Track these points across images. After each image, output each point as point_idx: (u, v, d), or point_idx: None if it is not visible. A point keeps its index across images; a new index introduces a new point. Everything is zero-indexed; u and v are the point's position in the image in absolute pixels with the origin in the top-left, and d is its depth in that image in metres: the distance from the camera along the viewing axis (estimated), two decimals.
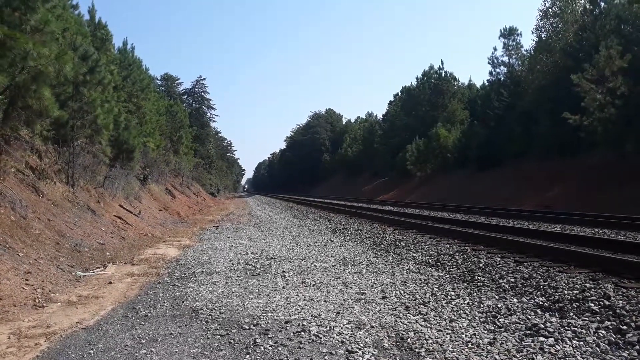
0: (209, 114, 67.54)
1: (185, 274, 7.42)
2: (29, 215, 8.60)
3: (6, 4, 8.00)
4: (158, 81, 53.70)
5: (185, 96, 64.11)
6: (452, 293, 5.73)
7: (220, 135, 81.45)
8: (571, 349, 3.76)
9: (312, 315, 4.83)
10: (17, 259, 6.69)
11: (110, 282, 6.83)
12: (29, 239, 7.67)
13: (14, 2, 8.09)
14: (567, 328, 4.20)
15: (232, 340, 4.11)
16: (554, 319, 4.48)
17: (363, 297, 5.67)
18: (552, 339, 3.96)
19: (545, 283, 5.69)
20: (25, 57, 8.16)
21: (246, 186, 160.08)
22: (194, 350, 3.89)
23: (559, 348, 3.78)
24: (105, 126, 14.02)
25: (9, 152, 9.96)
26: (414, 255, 8.66)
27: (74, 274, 7.23)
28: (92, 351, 3.90)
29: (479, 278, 6.40)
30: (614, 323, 4.21)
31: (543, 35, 33.85)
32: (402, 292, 5.87)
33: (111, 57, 20.64)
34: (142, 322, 4.72)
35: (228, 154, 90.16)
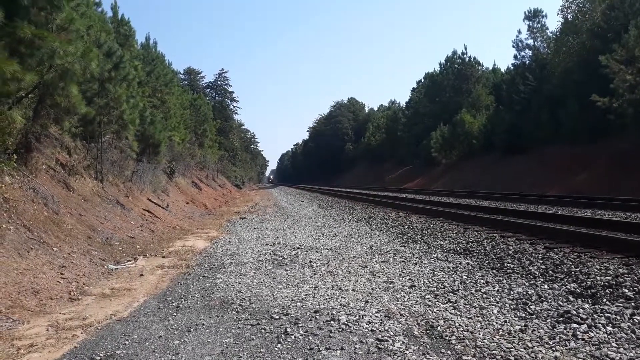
0: (232, 107, 68.11)
1: (214, 265, 7.52)
2: (61, 211, 8.81)
3: (32, 4, 8.13)
4: (181, 75, 54.29)
5: (209, 89, 64.71)
6: (482, 280, 5.68)
7: (243, 127, 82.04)
8: (605, 335, 3.71)
9: (340, 305, 4.85)
10: (52, 253, 6.87)
11: (141, 275, 6.96)
12: (62, 234, 7.86)
13: (40, 1, 8.22)
14: (600, 314, 4.13)
15: (262, 330, 4.16)
16: (586, 306, 4.41)
17: (391, 285, 5.67)
18: (586, 325, 3.91)
19: (577, 269, 5.60)
20: (52, 56, 8.31)
21: (271, 177, 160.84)
22: (226, 340, 3.95)
23: (592, 335, 3.72)
24: (131, 121, 14.24)
25: (39, 149, 10.19)
26: (442, 243, 8.61)
27: (106, 267, 7.40)
28: (127, 342, 3.99)
29: (509, 265, 6.34)
30: None
31: (569, 16, 33.06)
32: (430, 280, 5.86)
33: (135, 52, 20.92)
34: (175, 313, 4.81)
35: (252, 146, 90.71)
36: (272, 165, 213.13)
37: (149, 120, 17.17)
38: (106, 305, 5.27)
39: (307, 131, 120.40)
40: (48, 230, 7.59)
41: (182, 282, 6.40)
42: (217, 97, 65.04)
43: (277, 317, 4.52)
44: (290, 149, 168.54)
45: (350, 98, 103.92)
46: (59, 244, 7.37)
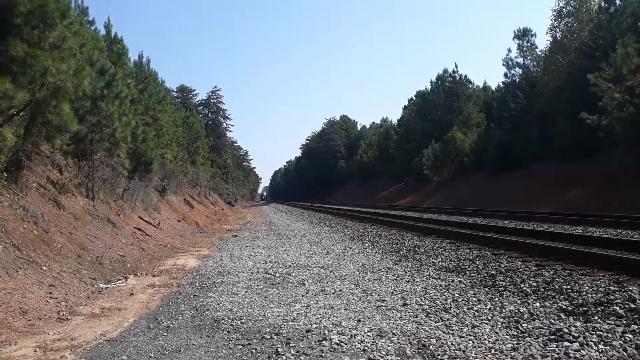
0: (224, 124, 68.12)
1: (205, 284, 7.47)
2: (51, 229, 8.74)
3: (25, 22, 8.17)
4: (174, 93, 54.32)
5: (201, 107, 64.74)
6: (474, 298, 5.68)
7: (236, 144, 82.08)
8: (597, 353, 3.71)
9: (332, 324, 4.83)
10: (41, 272, 6.80)
11: (132, 294, 6.89)
12: (52, 253, 7.79)
13: (33, 20, 8.25)
14: (592, 332, 4.13)
15: (254, 350, 4.12)
16: (578, 323, 4.42)
17: (383, 304, 5.65)
18: (577, 343, 3.91)
19: (568, 287, 5.61)
20: (44, 74, 8.32)
21: (264, 194, 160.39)
22: None
23: (584, 353, 3.72)
24: (123, 139, 14.22)
25: (30, 167, 10.14)
26: (434, 261, 8.61)
27: (96, 286, 7.32)
28: None
29: (501, 283, 6.34)
30: None
31: (558, 35, 33.52)
32: (422, 298, 5.84)
33: (127, 70, 20.93)
34: (165, 333, 4.76)
35: (244, 163, 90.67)
36: (265, 182, 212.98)
37: (141, 138, 17.14)
38: (96, 325, 5.20)
39: (300, 148, 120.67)
40: (37, 249, 7.52)
41: (173, 301, 6.34)
42: (209, 115, 65.09)
43: (269, 336, 4.49)
44: (283, 166, 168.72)
45: (342, 115, 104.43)
46: (48, 263, 7.30)
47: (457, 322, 4.74)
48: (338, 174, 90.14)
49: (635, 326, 4.16)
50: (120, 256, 9.98)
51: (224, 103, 69.22)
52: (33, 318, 5.31)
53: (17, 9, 7.88)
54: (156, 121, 23.58)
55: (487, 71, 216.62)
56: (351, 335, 4.40)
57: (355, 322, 4.89)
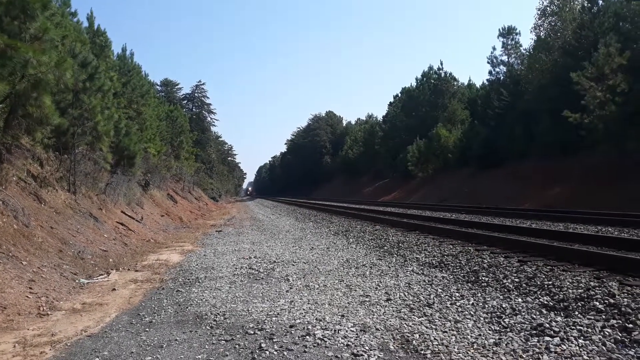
0: (209, 119, 67.67)
1: (188, 279, 7.41)
2: (32, 224, 8.60)
3: (6, 13, 8.01)
4: (158, 86, 53.77)
5: (185, 101, 64.25)
6: (457, 294, 5.72)
7: (221, 139, 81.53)
8: (577, 348, 3.75)
9: (316, 319, 4.82)
10: (21, 267, 6.69)
11: (114, 289, 6.82)
12: (32, 247, 7.67)
13: (13, 10, 8.09)
14: (572, 327, 4.19)
15: (237, 346, 4.10)
16: (559, 318, 4.47)
17: (367, 299, 5.66)
18: (558, 338, 3.95)
19: (550, 282, 5.68)
20: (25, 65, 8.16)
21: (250, 189, 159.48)
22: (200, 356, 3.88)
23: (565, 347, 3.77)
24: (105, 133, 14.03)
25: (10, 160, 9.97)
26: (417, 256, 8.65)
27: (77, 281, 7.23)
28: (97, 359, 3.90)
29: (483, 278, 6.39)
30: (620, 321, 4.20)
31: (542, 34, 33.90)
32: (406, 293, 5.87)
33: (110, 63, 20.66)
34: (147, 329, 4.71)
35: (229, 158, 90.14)
36: (250, 177, 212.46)
37: (124, 131, 16.92)
38: (76, 321, 5.13)
39: (285, 144, 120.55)
40: (17, 243, 7.40)
41: (156, 296, 6.29)
42: (194, 109, 64.60)
43: (252, 332, 4.47)
44: (268, 162, 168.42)
45: (328, 111, 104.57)
46: (28, 257, 7.19)
47: (440, 317, 4.77)
48: (323, 169, 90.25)
49: (614, 321, 4.22)
50: (102, 251, 9.87)
51: (208, 97, 68.99)
52: (12, 313, 5.22)
53: None
54: (139, 115, 23.32)
55: (472, 69, 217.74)
56: (335, 331, 4.40)
57: (339, 317, 4.89)
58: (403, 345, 4.02)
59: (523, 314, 4.72)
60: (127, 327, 4.82)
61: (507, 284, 5.96)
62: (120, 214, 14.96)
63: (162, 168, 27.78)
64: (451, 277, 6.79)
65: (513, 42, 39.03)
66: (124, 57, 25.37)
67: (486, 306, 5.10)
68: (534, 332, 4.17)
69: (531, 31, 37.17)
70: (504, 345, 3.92)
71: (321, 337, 4.23)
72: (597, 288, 5.16)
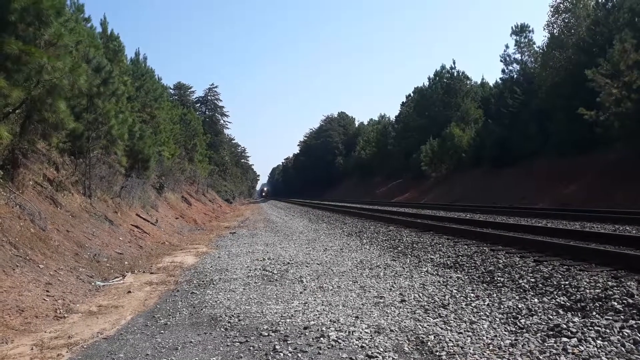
0: (222, 121, 68.20)
1: (203, 281, 7.44)
2: (48, 227, 8.70)
3: (20, 20, 8.11)
4: (171, 90, 54.19)
5: (199, 104, 64.78)
6: (472, 294, 5.67)
7: (234, 141, 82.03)
8: (595, 349, 3.70)
9: (330, 321, 4.81)
10: (38, 270, 6.77)
11: (129, 292, 6.87)
12: (49, 251, 7.76)
13: (28, 17, 8.20)
14: (590, 328, 4.13)
15: (251, 347, 4.11)
16: (576, 319, 4.41)
17: (381, 300, 5.63)
18: (575, 339, 3.90)
19: (566, 282, 5.61)
20: (40, 71, 8.27)
21: (265, 189, 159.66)
22: (214, 358, 3.89)
23: (582, 348, 3.71)
24: (120, 136, 14.17)
25: (26, 165, 10.10)
26: (432, 257, 8.60)
27: (93, 284, 7.30)
28: None
29: (499, 278, 6.33)
30: (639, 322, 4.13)
31: (555, 31, 33.52)
32: (420, 294, 5.83)
33: (124, 68, 20.84)
34: (162, 331, 4.74)
35: (242, 160, 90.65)
36: (263, 179, 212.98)
37: (138, 135, 17.08)
38: (93, 323, 5.18)
39: (298, 145, 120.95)
40: (34, 247, 7.49)
41: (171, 298, 6.32)
42: (207, 112, 65.14)
43: (266, 334, 4.47)
44: (281, 163, 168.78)
45: (340, 112, 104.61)
46: (45, 260, 7.27)
47: (455, 318, 4.73)
48: (336, 170, 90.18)
49: (633, 321, 4.15)
50: (117, 254, 9.95)
51: (221, 100, 69.25)
52: (30, 316, 5.28)
53: (12, 6, 7.83)
54: (153, 118, 23.52)
55: (485, 67, 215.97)
56: (349, 332, 4.39)
57: (353, 318, 4.87)
58: (418, 347, 3.99)
59: (539, 314, 4.66)
60: (142, 329, 4.85)
61: (522, 284, 5.90)
62: (135, 217, 15.07)
63: (176, 171, 27.97)
64: (466, 277, 6.74)
65: (526, 40, 38.66)
66: (137, 61, 25.60)
67: (502, 307, 5.04)
68: (551, 332, 4.12)
69: (544, 29, 36.85)
70: (521, 346, 3.87)
71: (335, 338, 4.22)
72: (615, 288, 5.09)
